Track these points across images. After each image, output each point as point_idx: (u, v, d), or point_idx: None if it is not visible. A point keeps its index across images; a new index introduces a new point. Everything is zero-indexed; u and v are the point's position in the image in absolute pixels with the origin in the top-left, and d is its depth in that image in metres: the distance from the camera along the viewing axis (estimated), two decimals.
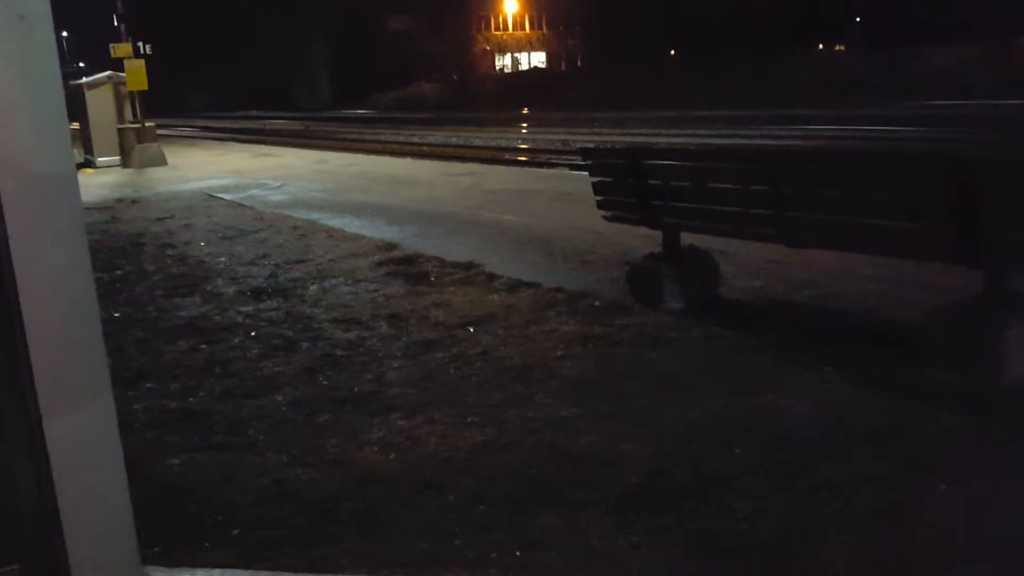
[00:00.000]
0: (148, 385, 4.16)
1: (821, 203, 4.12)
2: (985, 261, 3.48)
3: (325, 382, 4.05)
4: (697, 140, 17.35)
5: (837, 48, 51.28)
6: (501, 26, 67.83)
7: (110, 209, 10.75)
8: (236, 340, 4.83)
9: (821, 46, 52.28)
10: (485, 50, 66.68)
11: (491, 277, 5.92)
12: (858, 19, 52.85)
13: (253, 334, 4.92)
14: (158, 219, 9.66)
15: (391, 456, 3.21)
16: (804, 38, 49.23)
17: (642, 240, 5.96)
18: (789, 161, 4.64)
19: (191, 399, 3.95)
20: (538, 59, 68.56)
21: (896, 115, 19.75)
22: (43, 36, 1.89)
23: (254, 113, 52.13)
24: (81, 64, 42.07)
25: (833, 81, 31.17)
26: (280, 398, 3.87)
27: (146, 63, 17.00)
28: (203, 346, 4.76)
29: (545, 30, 69.91)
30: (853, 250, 4.32)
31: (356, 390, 3.90)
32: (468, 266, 6.27)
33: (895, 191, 3.79)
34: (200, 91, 75.73)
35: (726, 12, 52.23)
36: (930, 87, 26.23)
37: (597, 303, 5.06)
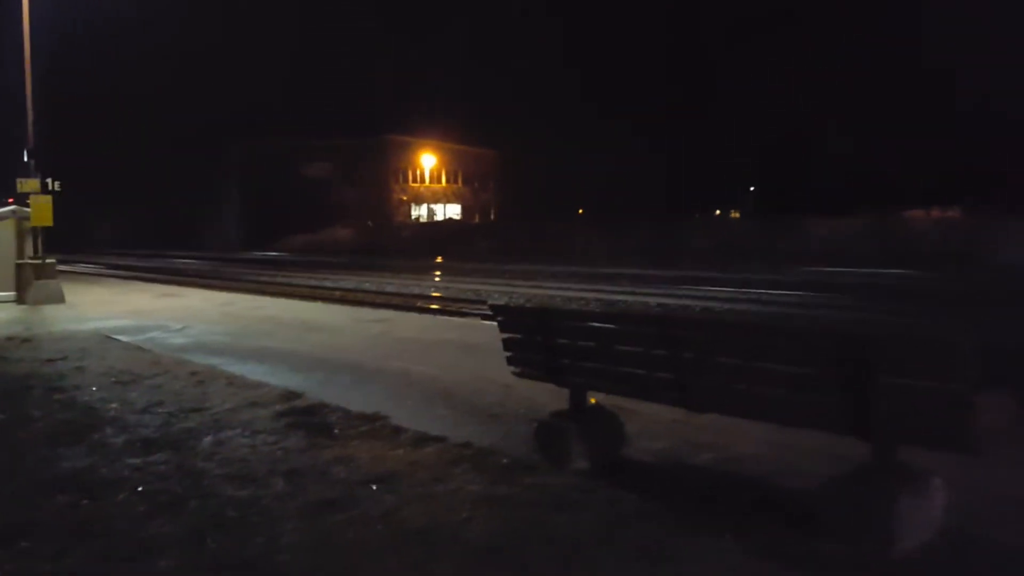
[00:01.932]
0: (23, 544, 3.86)
1: (719, 370, 4.27)
2: (874, 434, 3.63)
3: (213, 545, 3.82)
4: (604, 297, 17.89)
5: (732, 214, 54.62)
6: (419, 178, 69.97)
7: None
8: (121, 496, 4.55)
9: (718, 211, 55.65)
10: (402, 200, 68.31)
11: (397, 430, 5.82)
12: (751, 188, 56.76)
13: (140, 489, 4.65)
14: (49, 360, 9.23)
15: None
16: (701, 203, 52.45)
17: (551, 395, 5.99)
18: (689, 328, 4.82)
19: (68, 560, 3.67)
20: (453, 211, 70.61)
21: (787, 280, 20.88)
22: None
23: (161, 251, 51.40)
24: None
25: (729, 245, 32.95)
26: (163, 563, 3.62)
27: (52, 197, 16.73)
28: (85, 502, 4.47)
29: (460, 184, 72.44)
30: (751, 417, 4.45)
31: (245, 555, 3.69)
32: (374, 418, 6.15)
33: (789, 363, 3.97)
34: (105, 226, 74.57)
35: (632, 177, 55.37)
36: (818, 254, 28.01)
37: (504, 460, 5.01)
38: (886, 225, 31.71)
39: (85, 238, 65.03)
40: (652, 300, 16.79)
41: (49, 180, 16.65)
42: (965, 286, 18.44)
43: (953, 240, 27.34)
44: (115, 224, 75.36)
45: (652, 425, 5.73)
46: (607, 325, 5.41)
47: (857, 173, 50.04)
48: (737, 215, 53.36)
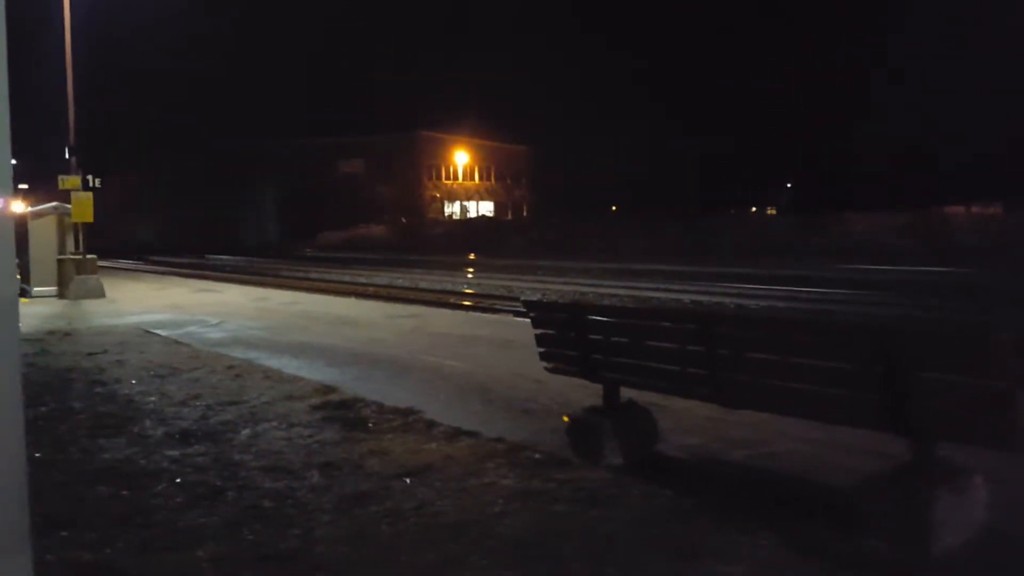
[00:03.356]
0: (63, 533, 3.93)
1: (754, 367, 4.23)
2: (913, 430, 3.58)
3: (250, 536, 3.87)
4: (636, 293, 17.80)
5: (769, 211, 54.04)
6: (451, 175, 70.13)
7: (40, 341, 10.44)
8: (160, 487, 4.62)
9: (754, 208, 55.06)
10: (435, 196, 68.53)
11: (431, 424, 5.84)
12: (788, 185, 56.05)
13: (178, 481, 4.72)
14: (89, 354, 9.40)
15: None
16: (738, 200, 51.95)
17: (583, 391, 5.98)
18: (724, 324, 4.79)
19: (108, 550, 3.73)
20: (486, 208, 70.67)
21: (824, 277, 20.61)
22: None
23: (199, 249, 52.16)
24: (24, 186, 41.93)
25: (764, 242, 32.61)
26: (201, 553, 3.67)
27: (93, 195, 17.04)
28: (124, 492, 4.54)
29: (493, 181, 72.47)
30: (786, 414, 4.41)
31: (282, 546, 3.73)
32: (408, 412, 6.19)
33: (826, 359, 3.92)
34: (147, 226, 75.82)
35: (666, 174, 54.97)
36: (856, 252, 27.62)
37: (537, 455, 5.01)
38: (926, 221, 31.20)
39: (126, 235, 66.20)
40: (685, 297, 16.68)
41: (90, 177, 16.96)
42: (1005, 283, 18.06)
43: (993, 236, 26.82)
44: (156, 224, 76.57)
45: (686, 421, 5.70)
46: (641, 321, 5.40)
47: (898, 169, 49.30)
48: (774, 212, 52.78)
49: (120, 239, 58.91)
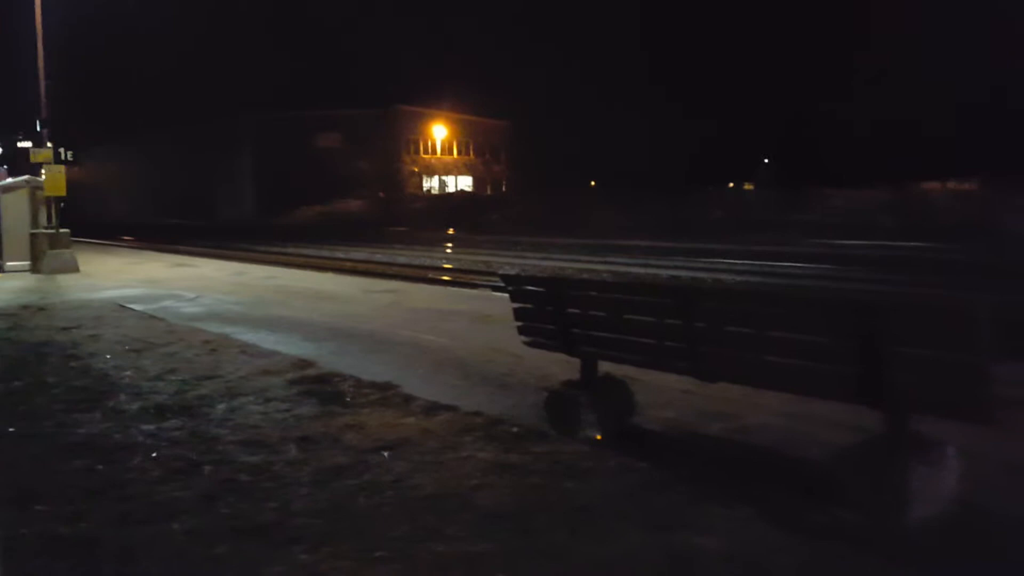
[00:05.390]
0: (39, 507, 3.90)
1: (731, 340, 4.25)
2: (887, 403, 3.61)
3: (225, 510, 3.85)
4: (615, 268, 17.84)
5: (746, 186, 54.16)
6: (430, 150, 69.68)
7: (14, 316, 10.31)
8: (135, 461, 4.59)
9: (731, 184, 55.17)
10: (413, 171, 68.10)
11: (408, 399, 5.84)
12: (766, 160, 56.17)
13: (154, 455, 4.69)
14: (64, 328, 9.29)
15: None
16: (715, 176, 52.00)
17: (561, 365, 5.99)
18: (702, 298, 4.80)
19: (83, 524, 3.71)
20: (465, 182, 70.35)
21: (802, 252, 20.76)
22: None
23: (174, 222, 51.56)
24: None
25: (742, 218, 32.75)
26: (176, 526, 3.66)
27: (66, 169, 16.78)
28: (100, 466, 4.51)
29: (472, 156, 72.12)
30: (762, 387, 4.44)
31: (259, 519, 3.72)
32: (385, 387, 6.17)
33: (802, 332, 3.94)
34: (121, 201, 74.87)
35: (644, 150, 54.91)
36: (834, 227, 27.80)
37: (515, 429, 5.02)
38: (903, 197, 31.44)
39: (101, 213, 65.33)
40: (664, 272, 16.74)
41: (62, 150, 16.71)
42: (982, 258, 18.27)
43: (970, 212, 27.08)
44: (131, 199, 75.62)
45: (663, 395, 5.72)
46: (619, 295, 5.40)
47: (874, 145, 49.53)
48: (751, 187, 52.92)
49: (94, 215, 58.11)
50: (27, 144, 17.74)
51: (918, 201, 31.17)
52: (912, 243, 22.35)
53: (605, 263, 19.05)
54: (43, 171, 16.72)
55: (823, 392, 4.00)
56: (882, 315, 3.73)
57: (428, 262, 20.54)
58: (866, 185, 34.32)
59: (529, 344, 5.58)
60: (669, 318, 4.55)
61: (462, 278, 15.94)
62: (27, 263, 16.95)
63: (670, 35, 72.83)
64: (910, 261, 18.63)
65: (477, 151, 72.55)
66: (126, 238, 35.87)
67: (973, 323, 3.39)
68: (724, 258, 19.37)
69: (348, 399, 5.88)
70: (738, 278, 15.49)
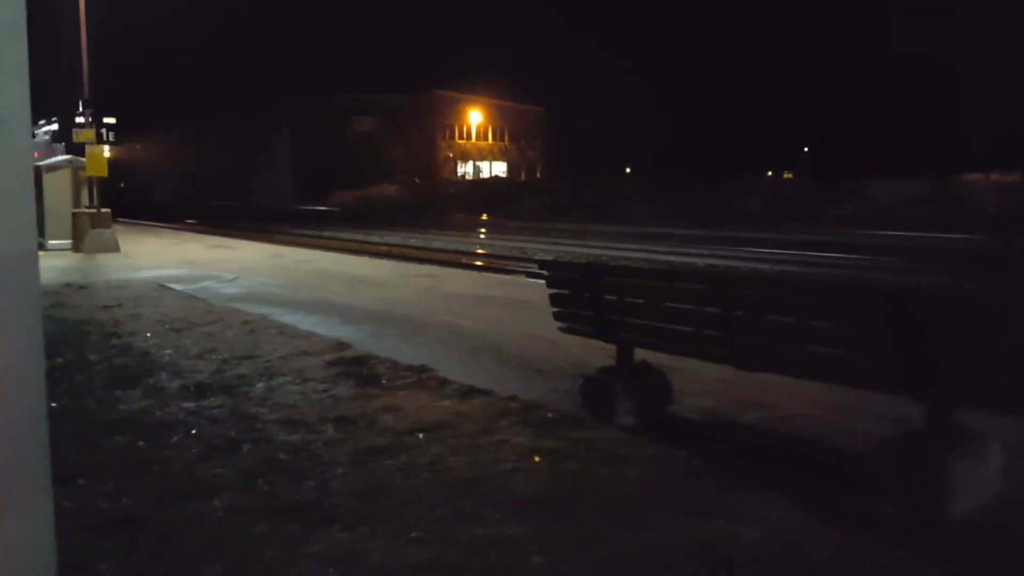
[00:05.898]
0: (81, 482, 3.97)
1: (771, 329, 4.20)
2: (929, 395, 3.55)
3: (265, 487, 3.90)
4: (650, 256, 17.72)
5: (785, 175, 53.46)
6: (465, 135, 69.69)
7: (56, 294, 10.51)
8: (176, 438, 4.67)
9: (770, 172, 54.48)
10: (448, 156, 68.19)
11: (444, 382, 5.85)
12: (806, 149, 55.35)
13: (194, 432, 4.76)
14: (105, 307, 9.46)
15: (329, 572, 3.07)
16: (753, 164, 51.35)
17: (597, 352, 5.97)
18: (741, 285, 4.75)
19: (124, 500, 3.77)
20: (499, 168, 70.32)
21: (840, 242, 20.46)
22: (20, 142, 1.88)
23: (215, 204, 52.13)
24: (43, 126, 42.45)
25: (780, 206, 32.36)
26: (217, 503, 3.71)
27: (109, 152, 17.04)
28: (141, 443, 4.59)
29: (507, 142, 71.99)
30: (801, 377, 4.38)
31: (297, 498, 3.76)
32: (421, 370, 6.20)
33: (844, 322, 3.89)
34: (163, 184, 75.88)
35: (681, 137, 54.33)
36: (873, 217, 27.36)
37: (550, 414, 5.02)
38: (943, 188, 30.83)
39: (142, 192, 66.28)
40: (699, 260, 16.60)
41: (103, 130, 16.95)
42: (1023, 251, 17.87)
43: (1012, 204, 26.48)
44: (172, 182, 76.62)
45: (700, 383, 5.69)
46: (656, 282, 5.36)
47: (914, 135, 48.62)
48: (790, 176, 52.25)
49: (136, 199, 59.05)
50: (96, 124, 17.89)
51: (959, 192, 30.54)
52: (952, 235, 21.91)
53: (640, 250, 18.94)
54: (86, 151, 16.98)
55: (864, 383, 3.94)
56: (925, 305, 3.67)
57: (463, 247, 20.58)
58: (907, 175, 33.71)
59: (565, 330, 5.56)
60: (707, 306, 4.51)
61: (497, 264, 15.94)
62: (69, 242, 17.28)
63: (712, 23, 71.97)
64: (950, 252, 18.28)
65: (512, 137, 72.42)
66: (166, 218, 36.37)
67: (1016, 314, 3.33)
68: (760, 247, 19.15)
69: (384, 381, 5.91)
70: (774, 267, 15.31)
